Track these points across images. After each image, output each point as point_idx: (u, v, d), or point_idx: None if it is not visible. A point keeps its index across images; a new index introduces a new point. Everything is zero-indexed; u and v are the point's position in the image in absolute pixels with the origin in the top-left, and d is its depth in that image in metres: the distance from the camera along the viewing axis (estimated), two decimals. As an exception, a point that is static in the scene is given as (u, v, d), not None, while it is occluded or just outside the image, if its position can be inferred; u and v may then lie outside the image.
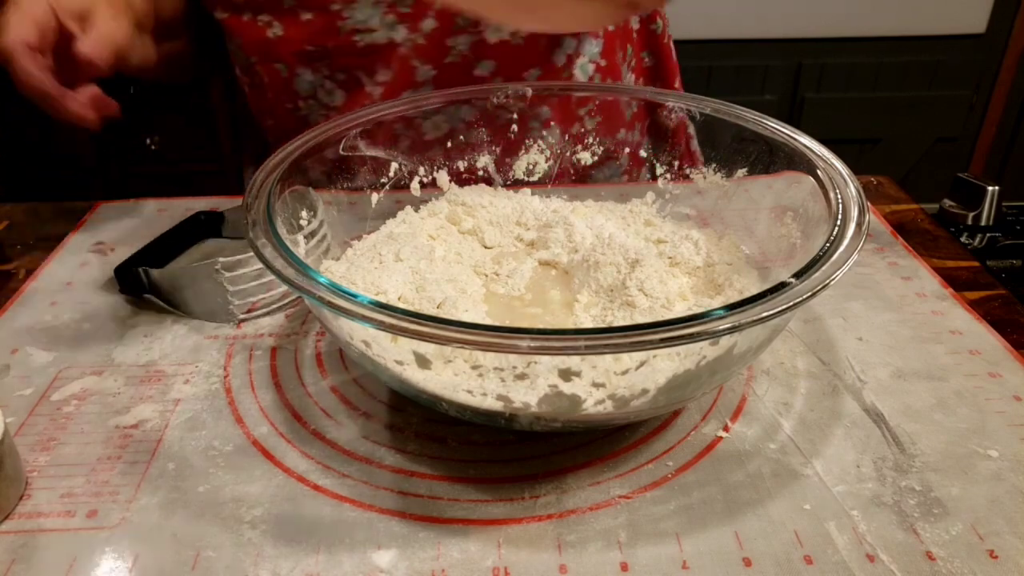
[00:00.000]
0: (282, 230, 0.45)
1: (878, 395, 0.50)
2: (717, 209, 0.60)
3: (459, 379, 0.43)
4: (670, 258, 0.55)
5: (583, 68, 0.78)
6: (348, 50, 0.75)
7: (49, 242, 0.70)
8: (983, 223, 0.96)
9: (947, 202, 0.99)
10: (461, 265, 0.58)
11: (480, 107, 0.66)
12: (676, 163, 0.65)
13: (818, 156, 0.51)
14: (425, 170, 0.66)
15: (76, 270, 0.65)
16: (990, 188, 0.95)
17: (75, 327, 0.58)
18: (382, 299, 0.50)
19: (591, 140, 0.68)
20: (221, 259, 0.56)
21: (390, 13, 0.73)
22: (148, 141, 1.98)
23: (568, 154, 0.68)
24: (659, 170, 0.66)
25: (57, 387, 0.52)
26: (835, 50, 2.02)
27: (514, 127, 0.67)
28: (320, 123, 0.58)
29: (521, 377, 0.43)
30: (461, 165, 0.67)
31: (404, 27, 0.73)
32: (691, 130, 0.67)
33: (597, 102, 0.71)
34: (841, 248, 0.42)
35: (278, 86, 0.78)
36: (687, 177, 0.63)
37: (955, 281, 0.62)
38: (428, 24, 0.73)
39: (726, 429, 0.48)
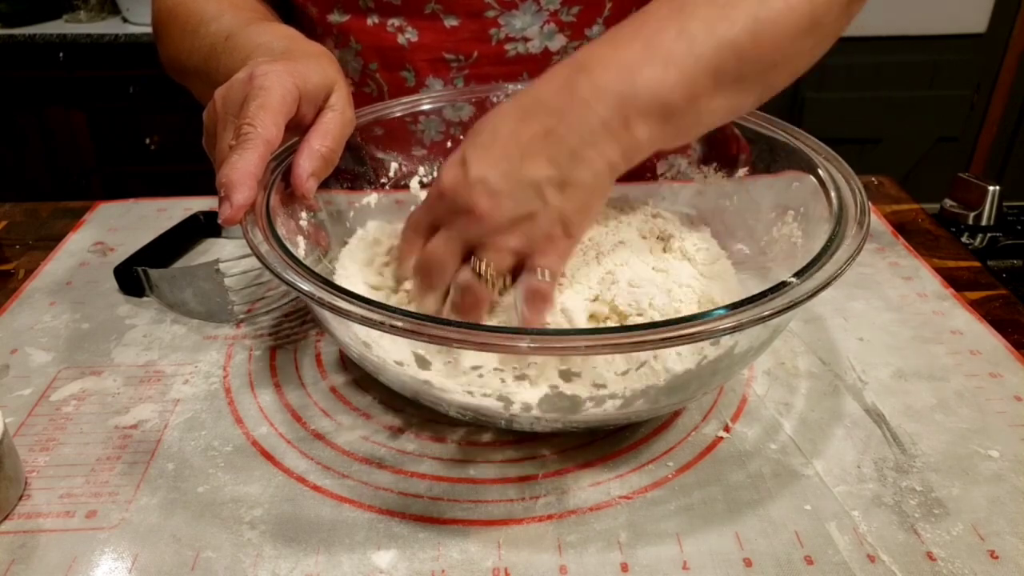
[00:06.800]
0: (282, 230, 0.45)
1: (879, 395, 0.50)
2: (717, 209, 0.60)
3: (459, 379, 0.43)
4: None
5: None
6: (495, 59, 0.72)
7: (49, 242, 0.70)
8: (984, 223, 0.96)
9: (947, 202, 0.99)
10: None
11: (479, 107, 0.66)
12: (677, 162, 0.65)
13: (819, 156, 0.51)
14: (425, 170, 0.66)
15: (76, 270, 0.65)
16: (990, 188, 0.95)
17: (74, 327, 0.58)
18: (381, 299, 0.50)
19: None
20: (221, 259, 0.56)
21: (551, 22, 0.71)
22: (148, 141, 1.98)
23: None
24: (660, 169, 0.65)
25: (56, 387, 0.52)
26: (835, 50, 2.02)
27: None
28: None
29: (521, 377, 0.43)
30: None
31: (563, 35, 0.72)
32: None
33: None
34: (842, 248, 0.41)
35: (400, 96, 0.70)
36: (688, 177, 0.63)
37: (956, 281, 0.62)
38: (596, 31, 0.72)
39: (727, 429, 0.47)
